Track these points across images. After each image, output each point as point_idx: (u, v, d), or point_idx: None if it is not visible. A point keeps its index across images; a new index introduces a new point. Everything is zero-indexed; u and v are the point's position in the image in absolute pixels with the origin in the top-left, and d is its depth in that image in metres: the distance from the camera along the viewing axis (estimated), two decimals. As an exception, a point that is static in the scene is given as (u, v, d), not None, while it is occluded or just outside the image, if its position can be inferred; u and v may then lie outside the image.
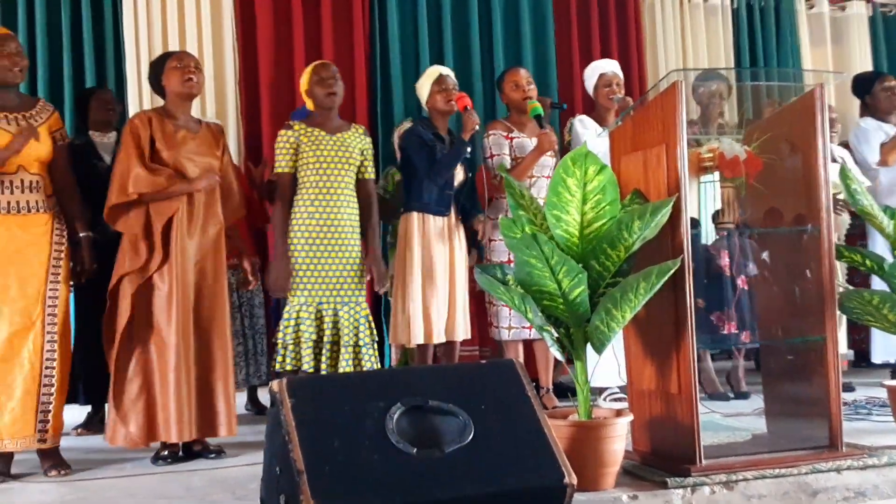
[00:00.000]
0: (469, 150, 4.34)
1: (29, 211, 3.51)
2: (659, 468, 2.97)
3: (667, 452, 3.02)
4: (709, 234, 3.51)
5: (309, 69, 4.14)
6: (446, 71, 4.50)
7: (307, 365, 3.82)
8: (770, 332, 3.45)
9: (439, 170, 4.28)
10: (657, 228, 2.86)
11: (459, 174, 4.43)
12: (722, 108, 4.75)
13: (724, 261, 4.23)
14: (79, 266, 3.63)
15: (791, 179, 3.25)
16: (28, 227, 3.50)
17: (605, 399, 4.56)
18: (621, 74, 4.84)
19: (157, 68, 3.80)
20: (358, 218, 4.04)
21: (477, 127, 4.31)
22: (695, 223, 3.17)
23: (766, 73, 6.16)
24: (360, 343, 3.91)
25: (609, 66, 4.85)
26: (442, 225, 4.36)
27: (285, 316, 3.92)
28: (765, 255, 3.50)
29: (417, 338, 4.27)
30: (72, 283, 3.63)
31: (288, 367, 3.87)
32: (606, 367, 4.02)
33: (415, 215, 4.34)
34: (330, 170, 3.95)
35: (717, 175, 3.23)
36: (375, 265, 4.07)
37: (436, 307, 4.28)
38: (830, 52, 7.16)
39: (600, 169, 2.87)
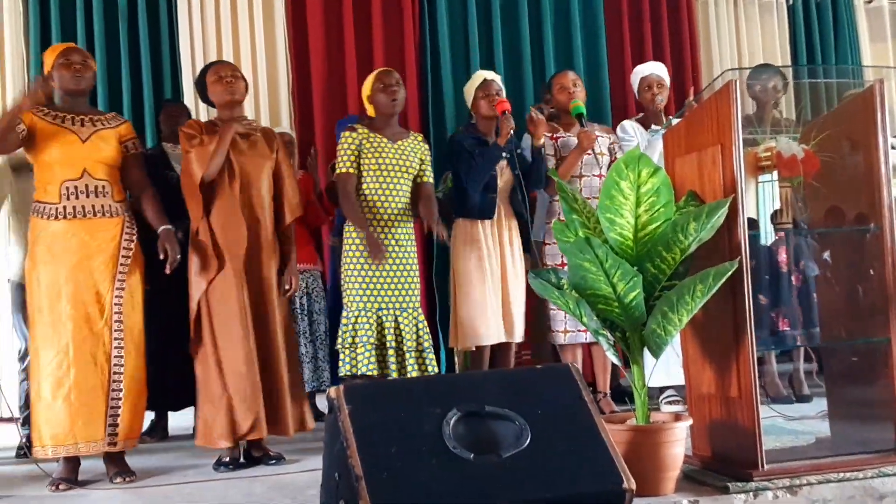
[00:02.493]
0: (506, 154, 4.32)
1: (95, 215, 3.58)
2: (720, 473, 2.93)
3: (728, 457, 2.98)
4: (767, 235, 3.46)
5: (372, 76, 4.17)
6: (491, 75, 4.49)
7: (366, 368, 3.84)
8: (832, 334, 3.38)
9: (474, 176, 4.29)
10: (713, 230, 2.83)
11: (506, 176, 4.42)
12: (778, 102, 4.67)
13: (782, 259, 4.17)
14: (161, 255, 3.63)
15: (851, 178, 3.19)
16: (95, 232, 3.57)
17: (662, 401, 4.51)
18: (665, 76, 4.78)
19: (201, 84, 3.90)
20: (412, 227, 4.09)
21: (513, 132, 4.31)
22: (753, 224, 3.13)
23: (823, 70, 6.05)
24: (422, 348, 3.96)
25: (650, 69, 4.80)
26: (489, 229, 4.35)
27: (343, 322, 3.96)
28: (826, 255, 3.44)
29: (471, 341, 4.28)
30: (167, 272, 3.64)
31: (345, 373, 3.90)
32: (664, 368, 4.00)
33: (461, 221, 4.37)
34: (390, 177, 4.01)
35: (774, 175, 3.18)
36: (437, 224, 4.05)
37: (488, 310, 4.27)
38: (891, 47, 6.99)
39: (654, 171, 2.85)
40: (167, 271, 3.63)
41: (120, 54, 5.45)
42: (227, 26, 5.63)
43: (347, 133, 4.07)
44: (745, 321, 2.86)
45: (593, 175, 4.50)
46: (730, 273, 2.75)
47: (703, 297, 2.73)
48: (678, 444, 2.81)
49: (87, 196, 3.57)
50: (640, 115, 4.85)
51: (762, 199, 3.24)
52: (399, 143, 4.08)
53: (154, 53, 5.53)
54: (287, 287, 3.81)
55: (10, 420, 4.41)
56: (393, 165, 4.03)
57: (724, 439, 3.01)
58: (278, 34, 5.74)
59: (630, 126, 4.67)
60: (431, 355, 3.98)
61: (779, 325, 3.88)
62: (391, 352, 3.91)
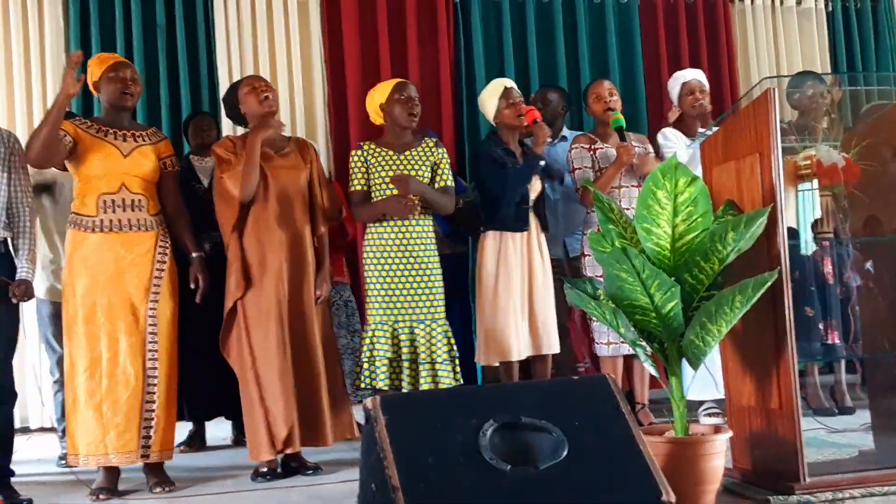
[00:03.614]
0: (543, 163, 4.29)
1: (131, 229, 3.62)
2: (761, 486, 2.89)
3: (769, 470, 2.94)
4: (808, 245, 3.41)
5: (388, 85, 4.10)
6: (510, 83, 4.40)
7: (382, 383, 3.83)
8: (875, 344, 3.33)
9: (513, 186, 4.21)
10: (752, 239, 2.80)
11: (537, 186, 4.36)
12: (824, 110, 4.59)
13: (828, 270, 4.11)
14: (192, 285, 3.71)
15: (892, 186, 3.14)
16: (131, 246, 3.61)
17: (701, 413, 4.46)
18: (706, 82, 4.73)
19: (232, 99, 3.91)
20: (433, 235, 4.04)
21: (549, 139, 4.27)
22: (793, 233, 3.09)
23: (864, 77, 5.97)
24: (436, 359, 3.91)
25: (691, 75, 4.75)
26: (521, 241, 4.29)
27: (364, 335, 3.96)
28: (868, 265, 3.39)
29: (496, 356, 4.20)
30: (197, 300, 3.71)
31: (363, 385, 3.90)
32: (703, 381, 3.96)
33: (493, 234, 4.26)
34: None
35: (815, 183, 3.14)
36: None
37: (515, 325, 4.21)
38: (934, 53, 6.89)
39: (691, 180, 2.82)
40: (197, 300, 3.68)
41: (158, 68, 5.52)
42: (264, 39, 5.69)
43: (354, 151, 4.06)
44: (786, 332, 2.82)
45: (632, 185, 4.45)
46: (769, 283, 2.72)
47: (742, 307, 2.70)
48: (718, 456, 2.78)
49: (124, 210, 3.61)
50: (671, 120, 4.80)
51: (802, 208, 3.20)
52: (406, 153, 4.02)
53: (192, 67, 5.60)
54: (318, 294, 3.81)
55: (51, 430, 4.47)
56: None
57: (765, 452, 2.97)
58: (314, 47, 5.79)
59: (672, 133, 4.61)
60: (447, 367, 3.89)
61: (827, 336, 3.81)
62: (405, 364, 3.89)
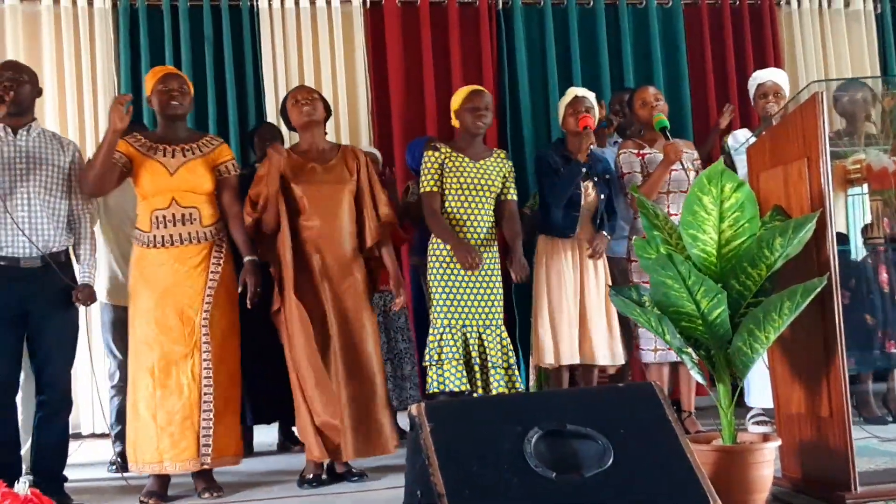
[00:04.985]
0: (584, 170, 4.28)
1: (182, 243, 3.67)
2: (811, 495, 2.85)
3: (819, 479, 2.90)
4: (858, 250, 3.36)
5: (464, 92, 4.18)
6: (582, 92, 4.44)
7: (453, 385, 3.84)
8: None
9: (556, 193, 4.26)
10: (801, 245, 2.77)
11: (592, 195, 4.36)
12: (869, 115, 4.51)
13: (883, 276, 4.04)
14: (240, 288, 3.74)
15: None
16: (185, 259, 3.67)
17: (749, 421, 4.40)
18: (783, 84, 4.61)
19: (283, 110, 3.99)
20: (495, 243, 4.08)
21: (592, 147, 4.27)
22: (842, 238, 3.05)
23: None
24: (509, 364, 3.96)
25: (767, 76, 4.63)
26: (570, 247, 4.31)
27: (430, 338, 3.98)
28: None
29: (546, 359, 4.24)
30: (248, 305, 3.74)
31: (435, 389, 3.91)
32: (751, 388, 3.91)
33: (546, 239, 4.35)
34: (471, 196, 4.04)
35: (864, 188, 3.09)
36: (517, 262, 4.07)
37: (563, 330, 4.22)
38: None
39: (738, 186, 2.80)
40: (248, 305, 3.71)
41: (206, 80, 5.60)
42: (309, 50, 5.75)
43: (430, 152, 4.10)
44: (836, 338, 2.78)
45: (681, 192, 4.40)
46: (818, 289, 2.68)
47: (790, 314, 2.67)
48: (767, 465, 2.74)
49: (175, 224, 3.67)
50: (723, 125, 4.75)
51: (852, 213, 3.16)
52: (481, 161, 4.10)
53: (238, 79, 5.67)
54: (398, 302, 3.85)
55: (103, 436, 4.55)
56: (474, 184, 4.05)
57: (816, 461, 2.92)
58: (358, 57, 5.84)
59: (742, 135, 4.55)
60: (516, 372, 3.98)
61: (886, 345, 3.74)
62: (476, 368, 3.92)
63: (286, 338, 3.72)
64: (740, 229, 2.82)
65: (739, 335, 2.73)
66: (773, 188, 3.06)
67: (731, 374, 2.85)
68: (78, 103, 5.52)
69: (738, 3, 6.24)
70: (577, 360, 4.24)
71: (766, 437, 2.91)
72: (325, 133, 4.04)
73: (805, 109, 2.90)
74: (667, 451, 2.49)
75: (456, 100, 4.20)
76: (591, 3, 6.05)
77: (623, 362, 4.39)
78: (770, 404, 4.16)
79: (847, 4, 6.51)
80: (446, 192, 4.06)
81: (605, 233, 4.37)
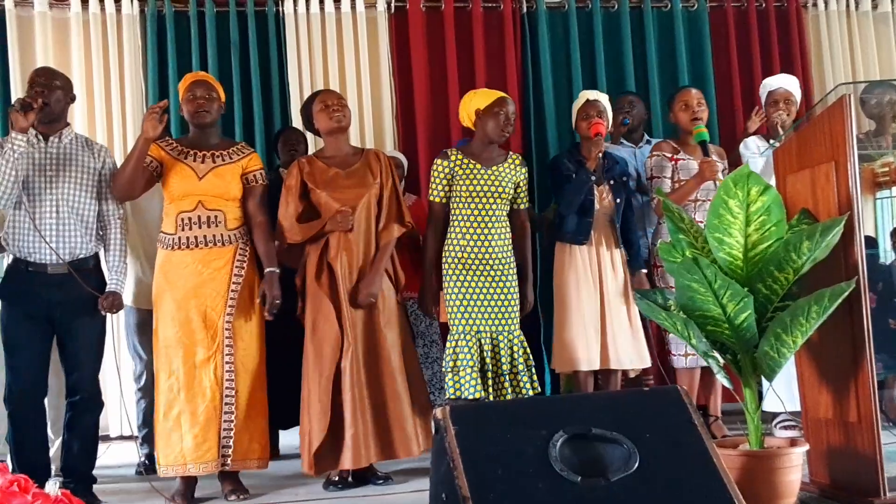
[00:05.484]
0: (594, 177, 4.25)
1: (206, 245, 3.71)
2: (839, 500, 2.83)
3: (847, 484, 2.87)
4: (887, 253, 3.33)
5: (493, 96, 4.09)
6: (594, 96, 4.39)
7: (468, 392, 3.84)
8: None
9: (567, 200, 4.22)
10: (828, 249, 2.75)
11: (607, 200, 4.33)
12: None
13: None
14: (258, 300, 3.78)
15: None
16: (209, 261, 3.70)
17: (776, 426, 4.37)
18: (794, 91, 4.59)
19: (307, 112, 4.00)
20: (511, 249, 4.04)
21: (601, 152, 4.25)
22: (870, 242, 3.02)
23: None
24: (517, 369, 3.91)
25: (778, 83, 4.61)
26: (586, 253, 4.25)
27: (447, 345, 3.98)
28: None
29: (565, 365, 4.20)
30: (267, 317, 3.79)
31: (450, 396, 3.91)
32: (777, 392, 3.86)
33: (563, 245, 4.29)
34: (483, 203, 3.98)
35: (894, 191, 3.07)
36: (523, 296, 4.07)
37: (581, 335, 4.18)
38: None
39: (764, 189, 2.78)
40: (267, 317, 3.75)
41: (232, 85, 5.64)
42: (334, 54, 5.77)
43: (440, 160, 4.05)
44: (864, 342, 2.76)
45: (708, 200, 4.34)
46: (846, 293, 2.66)
47: (818, 318, 2.65)
48: (794, 470, 2.72)
49: (200, 227, 3.70)
50: (751, 130, 4.72)
51: (880, 216, 3.13)
52: (494, 168, 4.03)
53: (264, 83, 5.70)
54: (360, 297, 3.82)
55: (131, 438, 4.59)
56: (485, 191, 3.98)
57: (844, 466, 2.90)
58: (383, 62, 5.86)
59: (753, 143, 4.51)
60: (528, 377, 3.91)
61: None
62: (489, 374, 3.90)
63: (308, 344, 3.74)
64: (767, 233, 2.81)
65: (766, 339, 2.72)
66: (800, 191, 3.04)
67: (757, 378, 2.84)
68: (106, 109, 5.57)
69: (764, 5, 6.20)
70: (598, 366, 4.20)
71: (793, 442, 2.89)
72: (348, 138, 4.06)
73: (832, 112, 2.88)
74: (693, 456, 2.48)
75: (479, 101, 4.09)
76: (616, 7, 6.03)
77: (648, 364, 4.35)
78: (781, 407, 4.16)
79: (875, 6, 6.44)
80: (459, 200, 4.00)
81: (643, 270, 4.36)
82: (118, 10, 5.59)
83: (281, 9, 5.75)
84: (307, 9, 5.76)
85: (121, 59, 5.60)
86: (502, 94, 4.18)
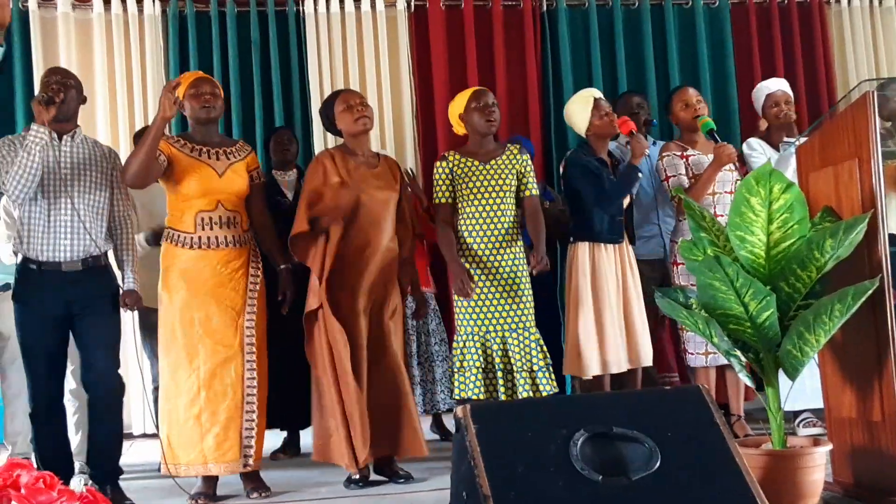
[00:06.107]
0: (640, 174, 4.24)
1: (227, 246, 3.73)
2: (863, 501, 2.81)
3: (871, 484, 2.85)
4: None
5: (466, 94, 4.10)
6: (598, 94, 4.36)
7: (473, 393, 3.83)
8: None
9: (610, 197, 4.18)
10: (852, 247, 2.72)
11: (627, 198, 4.33)
12: None
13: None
14: (280, 296, 3.81)
15: None
16: (227, 261, 3.72)
17: (798, 425, 4.34)
18: (790, 91, 4.63)
19: (328, 111, 3.97)
20: (521, 245, 4.02)
21: (647, 150, 4.22)
22: (894, 240, 3.00)
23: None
24: (535, 367, 3.88)
25: (776, 85, 4.65)
26: (614, 252, 4.25)
27: (454, 345, 3.97)
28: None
29: (591, 369, 4.12)
30: (283, 312, 3.83)
31: (457, 396, 3.91)
32: (800, 390, 3.84)
33: (585, 245, 4.21)
34: (486, 199, 3.95)
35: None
36: (539, 255, 3.97)
37: (612, 337, 4.15)
38: None
39: (786, 187, 2.77)
40: (283, 311, 3.78)
41: (253, 84, 5.67)
42: (354, 53, 5.79)
43: (438, 163, 4.05)
44: (888, 341, 2.73)
45: (725, 192, 4.35)
46: (870, 292, 2.64)
47: (841, 316, 2.63)
48: (817, 469, 2.71)
49: (220, 227, 3.71)
50: (765, 135, 4.70)
51: (905, 213, 3.10)
52: (492, 162, 4.00)
53: (285, 82, 5.73)
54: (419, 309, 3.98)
55: (154, 436, 4.61)
56: (486, 187, 3.95)
57: (868, 465, 2.88)
58: (402, 60, 5.87)
59: (756, 142, 4.53)
60: (546, 375, 3.87)
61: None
62: (499, 374, 3.87)
63: (322, 339, 3.73)
64: (789, 231, 2.79)
65: (789, 338, 2.70)
66: (822, 189, 3.01)
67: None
68: (128, 108, 5.61)
69: (786, 1, 6.16)
70: (626, 367, 4.18)
71: (816, 441, 2.87)
72: (369, 140, 4.09)
73: (856, 109, 2.86)
74: (715, 455, 2.47)
75: (458, 105, 4.09)
76: (637, 4, 6.01)
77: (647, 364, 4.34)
78: (803, 406, 4.13)
79: (898, 1, 6.39)
80: (461, 198, 3.99)
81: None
82: (140, 10, 5.63)
83: (301, 8, 5.78)
84: (327, 8, 5.78)
85: (143, 58, 5.65)
86: (474, 88, 4.19)
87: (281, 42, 5.75)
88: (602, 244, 4.21)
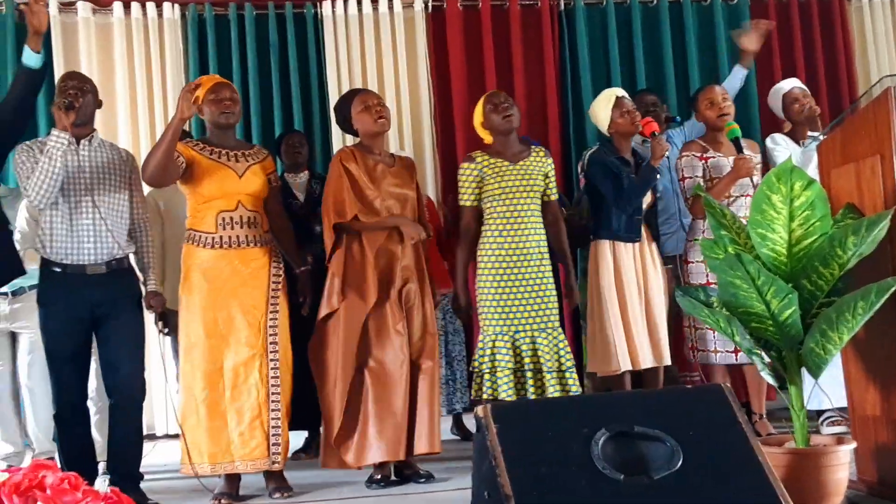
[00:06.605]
0: (658, 175, 4.23)
1: (248, 245, 3.75)
2: (888, 499, 2.79)
3: (896, 482, 2.83)
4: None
5: (480, 101, 4.12)
6: (621, 92, 4.37)
7: (505, 393, 3.83)
8: None
9: (629, 197, 4.17)
10: (874, 244, 2.70)
11: (648, 196, 4.32)
12: None
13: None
14: (301, 298, 3.84)
15: None
16: (248, 261, 3.74)
17: (822, 423, 4.31)
18: (806, 88, 4.65)
19: (344, 111, 3.97)
20: (546, 244, 4.01)
21: (667, 152, 4.20)
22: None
23: None
24: (564, 367, 3.89)
25: (789, 84, 4.67)
26: (633, 251, 4.24)
27: (480, 345, 3.96)
28: None
29: (619, 365, 4.12)
30: (304, 313, 3.86)
31: (484, 396, 3.90)
32: (823, 389, 3.81)
33: (605, 243, 4.22)
34: (515, 199, 3.94)
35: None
36: (569, 288, 4.09)
37: (635, 334, 4.15)
38: None
39: (807, 184, 2.75)
40: (303, 312, 3.81)
41: (272, 86, 5.70)
42: (371, 54, 5.81)
43: (465, 164, 4.03)
44: (912, 339, 2.71)
45: (743, 195, 4.31)
46: (893, 289, 2.62)
47: (864, 314, 2.61)
48: (841, 468, 2.69)
49: (241, 227, 3.73)
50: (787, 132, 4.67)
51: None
52: (521, 163, 4.00)
53: (303, 83, 5.76)
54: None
55: (177, 437, 4.64)
56: (516, 187, 3.95)
57: (892, 463, 2.85)
58: (420, 61, 5.88)
59: (780, 137, 4.51)
60: (574, 376, 3.89)
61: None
62: (529, 374, 3.87)
63: (338, 339, 3.74)
64: (811, 228, 2.77)
65: (811, 336, 2.68)
66: (844, 186, 2.99)
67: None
68: (149, 111, 5.66)
69: (806, -2, 6.13)
70: (650, 364, 4.18)
71: (840, 440, 2.85)
72: (387, 140, 4.13)
73: (877, 105, 2.84)
74: (737, 454, 2.46)
75: (477, 113, 4.12)
76: (655, 2, 6.00)
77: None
78: (831, 404, 4.09)
79: (920, -4, 6.34)
80: (491, 199, 3.97)
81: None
82: (160, 14, 5.68)
83: (319, 10, 5.80)
84: (345, 10, 5.80)
85: (163, 62, 5.69)
86: (488, 93, 4.24)
87: (299, 44, 5.78)
88: (621, 242, 4.22)
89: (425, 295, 3.88)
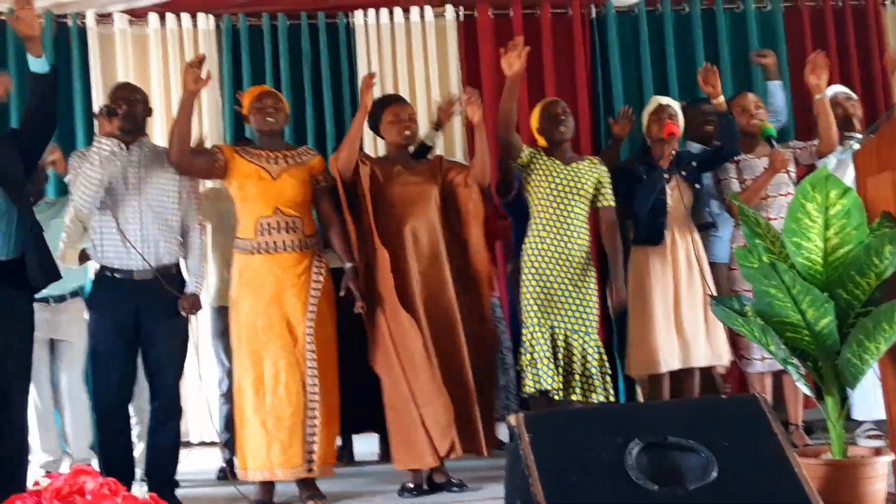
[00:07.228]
0: (666, 177, 4.22)
1: (285, 250, 3.77)
2: (926, 512, 2.74)
3: (935, 495, 2.79)
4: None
5: (538, 108, 4.24)
6: (666, 101, 4.44)
7: (547, 384, 3.83)
8: None
9: (639, 202, 4.22)
10: (912, 253, 2.67)
11: (676, 195, 4.27)
12: None
13: None
14: (342, 293, 3.82)
15: None
16: (287, 266, 3.77)
17: (861, 435, 4.26)
18: (850, 92, 4.76)
19: (376, 116, 4.06)
20: (589, 248, 4.06)
21: (673, 154, 4.21)
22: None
23: None
24: (589, 374, 3.90)
25: (832, 90, 4.65)
26: (659, 252, 4.24)
27: (522, 339, 3.98)
28: None
29: (645, 369, 4.19)
30: (354, 310, 3.85)
31: (530, 390, 3.91)
32: (861, 400, 3.78)
33: (641, 248, 4.27)
34: (562, 198, 4.01)
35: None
36: (616, 289, 4.10)
37: (663, 337, 4.16)
38: None
39: (843, 192, 2.73)
40: (355, 310, 3.80)
41: (304, 95, 5.74)
42: (403, 63, 5.83)
43: (525, 145, 4.13)
44: (951, 350, 2.67)
45: (780, 194, 4.32)
46: (932, 298, 2.59)
47: (902, 324, 2.58)
48: (879, 480, 2.66)
49: (279, 232, 3.76)
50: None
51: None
52: (574, 165, 4.09)
53: (335, 93, 5.79)
54: None
55: (212, 444, 4.68)
56: (565, 187, 4.02)
57: (931, 476, 2.81)
58: (451, 68, 5.89)
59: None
60: (599, 381, 3.91)
61: None
62: (560, 370, 3.90)
63: (386, 341, 3.76)
64: (847, 237, 2.75)
65: (848, 346, 2.66)
66: (881, 194, 2.96)
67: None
68: (185, 123, 5.71)
69: (841, 4, 6.06)
70: (678, 366, 4.17)
71: (878, 451, 2.82)
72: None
73: (915, 112, 2.81)
74: (773, 465, 2.44)
75: (534, 118, 4.25)
76: (687, 9, 5.96)
77: (726, 362, 4.30)
78: (874, 416, 4.05)
79: (958, 3, 6.25)
80: (537, 196, 4.04)
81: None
82: (194, 25, 5.73)
83: (351, 20, 5.83)
84: (377, 20, 5.82)
85: (198, 73, 5.74)
86: (546, 100, 4.34)
87: (331, 53, 5.81)
88: (647, 246, 4.25)
89: (450, 289, 3.90)
